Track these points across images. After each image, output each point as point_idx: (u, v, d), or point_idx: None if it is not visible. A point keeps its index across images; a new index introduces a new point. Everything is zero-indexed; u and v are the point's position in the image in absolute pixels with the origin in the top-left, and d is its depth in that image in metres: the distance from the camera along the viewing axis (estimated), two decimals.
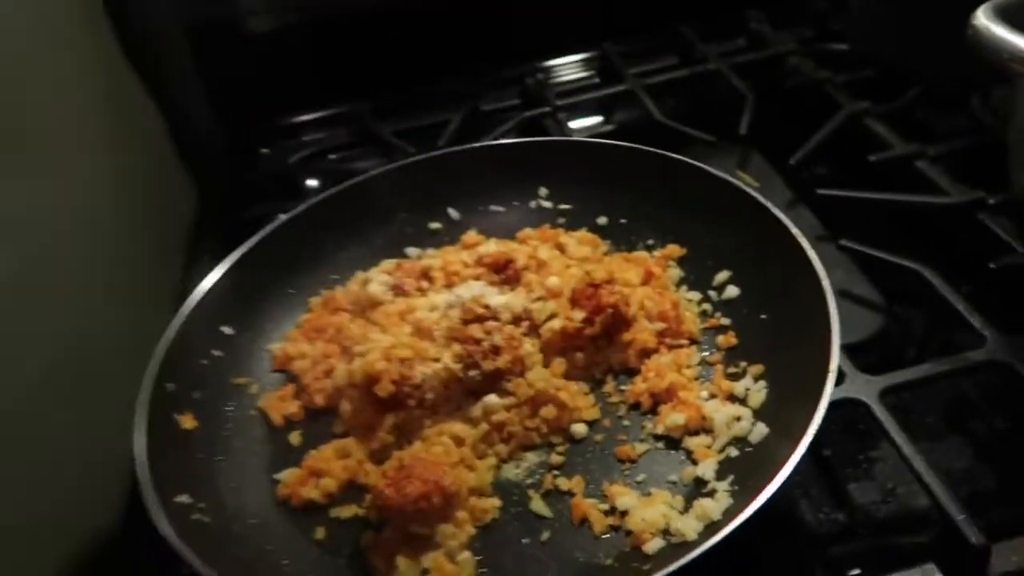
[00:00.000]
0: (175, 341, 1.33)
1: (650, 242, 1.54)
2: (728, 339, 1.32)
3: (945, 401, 1.34)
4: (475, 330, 1.30)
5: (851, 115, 1.80)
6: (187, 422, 1.28)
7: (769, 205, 1.34)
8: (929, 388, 1.28)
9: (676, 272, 1.46)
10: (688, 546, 1.02)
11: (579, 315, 1.30)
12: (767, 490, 0.95)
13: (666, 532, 1.07)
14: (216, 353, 1.41)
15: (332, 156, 2.16)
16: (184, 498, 1.15)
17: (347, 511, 1.19)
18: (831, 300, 1.14)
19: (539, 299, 1.36)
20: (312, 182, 2.10)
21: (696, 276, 1.44)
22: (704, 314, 1.38)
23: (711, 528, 1.04)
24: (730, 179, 1.43)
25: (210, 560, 1.01)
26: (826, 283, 1.17)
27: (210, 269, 1.47)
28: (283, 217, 1.59)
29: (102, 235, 1.54)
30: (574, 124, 2.00)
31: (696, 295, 1.41)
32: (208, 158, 2.09)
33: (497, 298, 1.38)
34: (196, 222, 1.99)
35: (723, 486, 1.10)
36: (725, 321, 1.35)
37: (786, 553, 1.17)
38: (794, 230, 1.27)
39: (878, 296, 1.49)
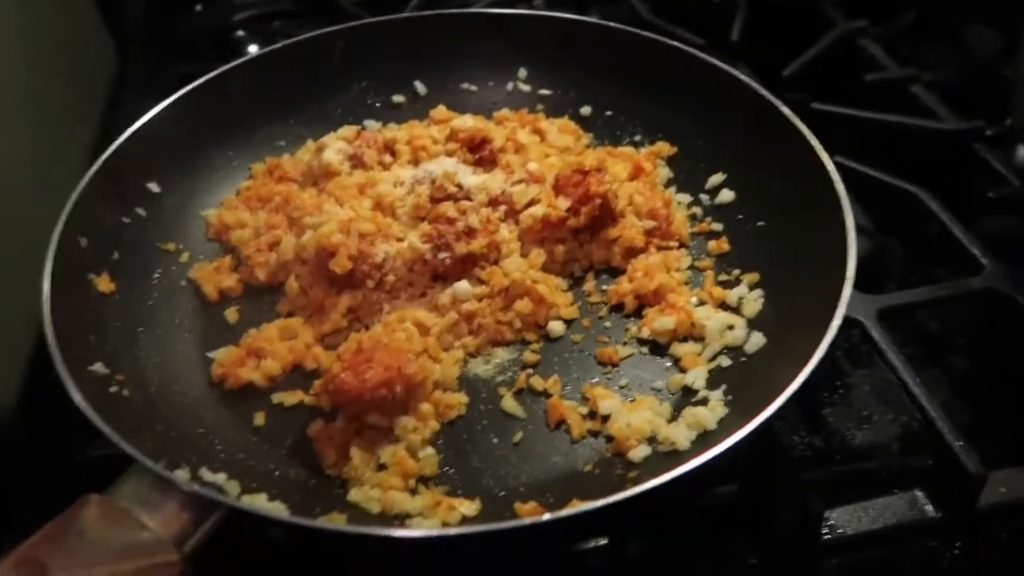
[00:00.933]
0: (89, 189, 1.14)
1: (637, 138, 1.41)
2: (720, 245, 1.22)
3: (927, 330, 1.29)
4: (447, 208, 1.16)
5: (846, 33, 1.70)
6: (103, 284, 1.10)
7: (778, 103, 1.23)
8: (909, 317, 1.22)
9: (665, 172, 1.34)
10: (679, 456, 0.94)
11: (564, 203, 1.17)
12: (774, 403, 0.86)
13: (652, 439, 0.98)
14: (140, 211, 1.22)
15: (277, 22, 1.92)
16: (99, 367, 0.99)
17: (291, 397, 1.05)
18: (848, 212, 1.05)
19: (519, 182, 1.22)
20: (253, 48, 1.86)
21: (687, 177, 1.33)
22: (694, 218, 1.28)
23: (704, 438, 0.95)
24: (733, 71, 1.32)
25: (129, 434, 0.86)
26: (842, 192, 1.08)
27: (132, 120, 1.27)
28: (224, 68, 1.38)
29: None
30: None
31: (686, 197, 1.30)
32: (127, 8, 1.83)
33: (472, 177, 1.23)
34: (117, 73, 1.75)
35: (716, 395, 1.01)
36: (717, 226, 1.25)
37: (760, 475, 1.10)
38: (807, 133, 1.17)
39: (865, 219, 1.42)
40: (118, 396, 0.97)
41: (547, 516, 0.77)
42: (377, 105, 1.48)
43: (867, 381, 1.21)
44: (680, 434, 0.95)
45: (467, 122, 1.29)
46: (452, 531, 0.81)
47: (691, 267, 1.21)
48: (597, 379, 1.07)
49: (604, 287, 1.19)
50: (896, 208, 1.38)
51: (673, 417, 1.00)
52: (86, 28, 1.75)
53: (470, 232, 1.13)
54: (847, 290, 0.97)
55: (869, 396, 1.19)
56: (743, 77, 1.30)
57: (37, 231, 1.08)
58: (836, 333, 0.93)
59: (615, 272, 1.21)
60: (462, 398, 1.04)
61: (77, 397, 0.87)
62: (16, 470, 1.05)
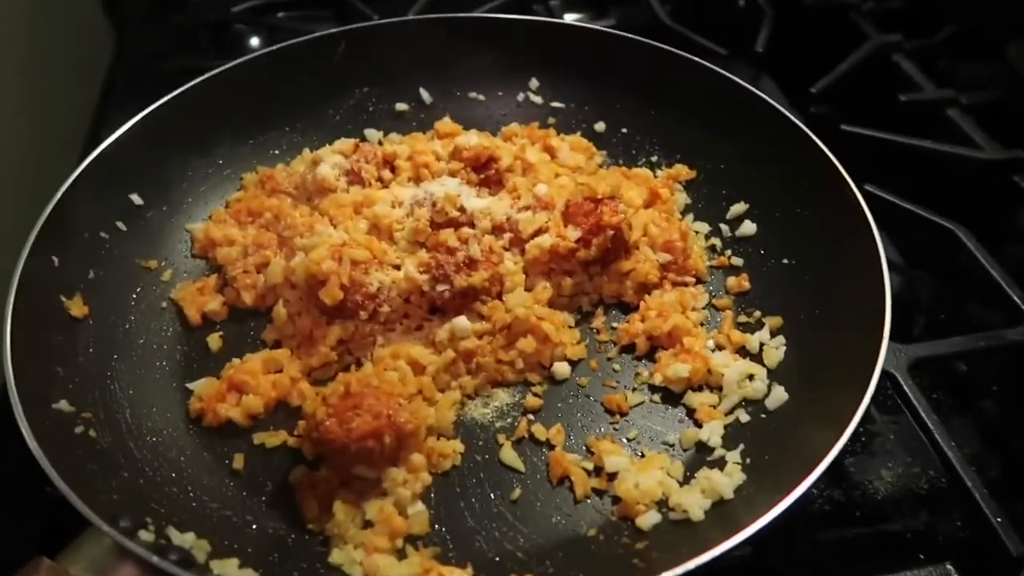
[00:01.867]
0: (65, 201, 1.06)
1: (654, 158, 1.32)
2: (740, 283, 1.14)
3: (956, 374, 1.21)
4: (447, 236, 1.08)
5: (879, 48, 1.60)
6: (75, 307, 1.02)
7: (808, 131, 1.14)
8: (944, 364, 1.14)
9: (682, 197, 1.25)
10: (692, 527, 0.86)
11: (573, 234, 1.09)
12: (803, 483, 0.78)
13: (662, 503, 0.90)
14: (120, 226, 1.14)
15: (281, 14, 1.83)
16: (63, 404, 0.91)
17: (274, 439, 0.97)
18: (883, 259, 0.97)
19: (526, 208, 1.14)
20: (255, 41, 1.78)
21: (706, 204, 1.25)
22: (712, 250, 1.19)
23: (720, 508, 0.87)
24: (760, 93, 1.23)
25: (88, 487, 0.78)
26: (878, 237, 0.99)
27: (123, 119, 1.19)
28: (216, 69, 1.29)
29: None
30: (568, 17, 1.73)
31: (704, 227, 1.22)
32: None
33: (475, 201, 1.15)
34: (111, 70, 1.66)
35: (733, 456, 0.93)
36: (737, 261, 1.17)
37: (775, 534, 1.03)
38: (841, 169, 1.08)
39: (893, 251, 1.33)
40: (83, 437, 0.89)
41: None
42: (378, 113, 1.39)
43: (891, 428, 1.13)
44: (694, 502, 0.87)
45: (472, 140, 1.20)
46: None
47: (708, 305, 1.12)
48: (604, 429, 0.99)
49: (614, 324, 1.11)
50: (928, 241, 1.29)
51: (686, 479, 0.92)
52: (85, 13, 1.66)
53: (471, 263, 1.05)
54: (883, 350, 0.88)
55: (894, 444, 1.11)
56: (770, 100, 1.21)
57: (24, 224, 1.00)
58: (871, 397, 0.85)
59: (626, 307, 1.13)
60: (457, 446, 0.96)
61: (34, 446, 0.79)
62: None
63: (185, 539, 0.81)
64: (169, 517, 0.84)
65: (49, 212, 1.04)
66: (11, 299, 0.93)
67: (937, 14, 1.70)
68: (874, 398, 1.13)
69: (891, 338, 1.03)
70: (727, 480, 0.88)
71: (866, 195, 1.28)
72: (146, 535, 0.78)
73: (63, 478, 0.77)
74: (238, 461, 0.95)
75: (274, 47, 1.33)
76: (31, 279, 0.97)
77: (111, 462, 0.89)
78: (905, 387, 1.00)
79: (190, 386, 1.02)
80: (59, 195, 1.06)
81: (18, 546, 0.87)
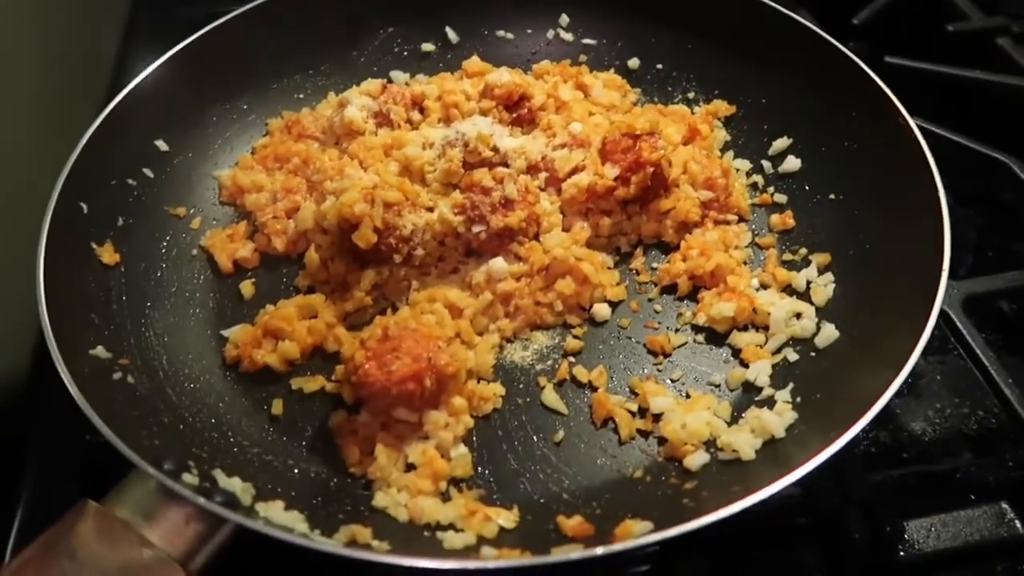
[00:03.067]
0: (91, 148, 1.03)
1: (691, 95, 1.27)
2: (784, 220, 1.10)
3: (1003, 313, 1.17)
4: (482, 176, 1.04)
5: None
6: (107, 255, 1.01)
7: (855, 58, 1.09)
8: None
9: (722, 134, 1.21)
10: (742, 467, 0.83)
11: (611, 172, 1.05)
12: (858, 423, 0.75)
13: (710, 443, 0.87)
14: (147, 172, 1.11)
15: None
16: (100, 351, 0.90)
17: (311, 383, 0.96)
18: (941, 191, 0.92)
19: (561, 146, 1.10)
20: None
21: (747, 141, 1.20)
22: (754, 187, 1.15)
23: (771, 448, 0.85)
24: (804, 22, 1.17)
25: (131, 432, 0.78)
26: (934, 168, 0.95)
27: (142, 67, 1.16)
28: (237, 11, 1.25)
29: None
30: None
31: (745, 164, 1.17)
32: None
33: (509, 140, 1.11)
34: (132, 10, 1.62)
35: (783, 396, 0.90)
36: (780, 198, 1.13)
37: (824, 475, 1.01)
38: (893, 97, 1.03)
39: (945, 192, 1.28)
40: (122, 384, 0.88)
41: (600, 550, 0.67)
42: (404, 54, 1.35)
43: (938, 369, 1.10)
44: (744, 441, 0.85)
45: (503, 77, 1.16)
46: (490, 564, 0.71)
47: (751, 244, 1.09)
48: (647, 370, 0.97)
49: (654, 265, 1.08)
50: (976, 175, 1.25)
51: (734, 419, 0.90)
52: None
53: (507, 203, 1.02)
54: (942, 288, 0.85)
55: (941, 386, 1.08)
56: (813, 26, 1.16)
57: (43, 191, 0.98)
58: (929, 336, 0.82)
59: (666, 247, 1.09)
60: (498, 389, 0.94)
61: (75, 391, 0.78)
62: (24, 442, 0.97)
63: (232, 483, 0.80)
64: (212, 461, 0.83)
65: (75, 158, 1.02)
66: (42, 246, 0.92)
67: None
68: None
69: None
70: (778, 419, 0.86)
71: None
72: (190, 478, 0.77)
73: (106, 423, 0.76)
74: (277, 407, 0.94)
75: None
76: (61, 226, 0.95)
77: (151, 407, 0.88)
78: (959, 324, 0.97)
79: (225, 333, 1.00)
80: (84, 141, 1.04)
81: (63, 490, 0.87)
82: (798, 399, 0.90)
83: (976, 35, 1.42)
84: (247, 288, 1.06)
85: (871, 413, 0.76)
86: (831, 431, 0.77)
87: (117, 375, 0.89)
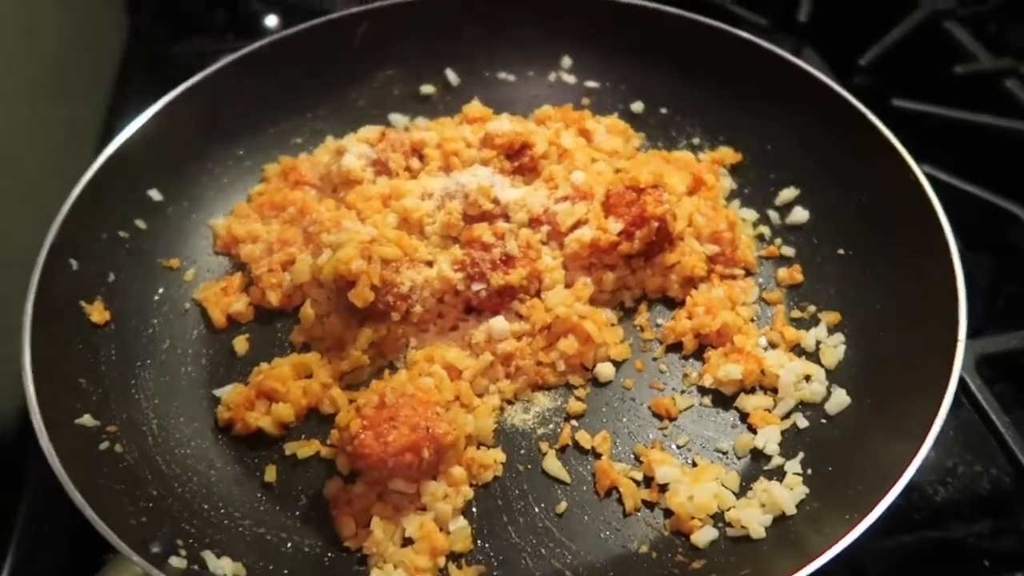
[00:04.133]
0: (81, 201, 1.01)
1: (695, 140, 1.25)
2: (792, 274, 1.07)
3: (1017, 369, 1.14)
4: (482, 231, 1.02)
5: (930, 15, 1.51)
6: (96, 313, 0.98)
7: (866, 110, 1.06)
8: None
9: (727, 182, 1.18)
10: (753, 545, 0.81)
11: (615, 226, 1.03)
12: (878, 505, 0.72)
13: (718, 517, 0.85)
14: (140, 224, 1.09)
15: None
16: (87, 419, 0.87)
17: (306, 448, 0.93)
18: (953, 249, 0.90)
19: (563, 199, 1.08)
20: (271, 19, 1.71)
21: (753, 189, 1.18)
22: (761, 239, 1.13)
23: (781, 525, 0.82)
24: (810, 69, 1.15)
25: (117, 510, 0.75)
26: (946, 226, 0.92)
27: (137, 114, 1.13)
28: (233, 56, 1.23)
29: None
30: None
31: (752, 214, 1.15)
32: None
33: (510, 191, 1.09)
34: (125, 52, 1.60)
35: (792, 467, 0.88)
36: (788, 251, 1.10)
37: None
38: (902, 148, 1.01)
39: (955, 237, 1.26)
40: (109, 454, 0.86)
41: None
42: (404, 96, 1.32)
43: (951, 424, 1.07)
44: (753, 517, 0.82)
45: (504, 126, 1.14)
46: None
47: (758, 300, 1.06)
48: (652, 435, 0.94)
49: (659, 321, 1.05)
50: (986, 219, 1.23)
51: (742, 490, 0.87)
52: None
53: (508, 260, 1.00)
54: (960, 354, 0.82)
55: (953, 442, 1.06)
56: (819, 74, 1.13)
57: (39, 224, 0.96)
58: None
59: (671, 302, 1.07)
60: (499, 456, 0.92)
61: (59, 470, 0.76)
62: (12, 491, 0.95)
63: (221, 564, 0.77)
64: (201, 539, 0.80)
65: (66, 213, 1.00)
66: (29, 308, 0.89)
67: None
68: None
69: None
70: (788, 494, 0.83)
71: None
72: (178, 561, 0.74)
73: (90, 503, 0.73)
74: (270, 473, 0.91)
75: (292, 30, 1.26)
76: (49, 285, 0.93)
77: (139, 479, 0.85)
78: (973, 387, 0.95)
79: (217, 393, 0.98)
80: (75, 194, 1.02)
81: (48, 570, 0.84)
82: (809, 471, 0.87)
83: (983, 77, 1.40)
84: (241, 344, 1.04)
85: (889, 497, 0.73)
86: (845, 511, 0.75)
87: (104, 444, 0.86)
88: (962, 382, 0.95)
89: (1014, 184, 1.24)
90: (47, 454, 0.77)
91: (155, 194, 1.11)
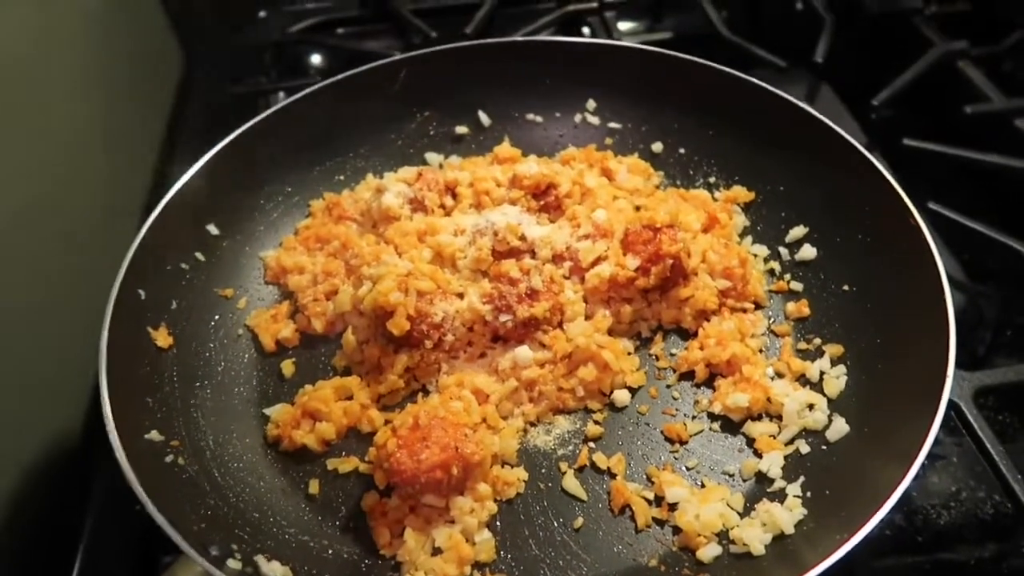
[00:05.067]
0: (150, 237, 1.12)
1: (712, 179, 1.33)
2: (800, 308, 1.14)
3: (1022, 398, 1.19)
4: (510, 267, 1.11)
5: (944, 56, 1.57)
6: (161, 338, 1.08)
7: (872, 157, 1.13)
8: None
9: (741, 220, 1.26)
10: (753, 561, 0.88)
11: (632, 263, 1.11)
12: (866, 525, 0.79)
13: (722, 535, 0.92)
14: (199, 256, 1.20)
15: (340, 30, 1.88)
16: (155, 435, 0.97)
17: (346, 464, 1.02)
18: (947, 290, 0.96)
19: (585, 237, 1.16)
20: (315, 59, 1.83)
21: (765, 227, 1.25)
22: (771, 273, 1.20)
23: (780, 543, 0.89)
24: (820, 117, 1.22)
25: (181, 516, 0.84)
26: (940, 265, 0.99)
27: (195, 153, 1.24)
28: (285, 101, 1.34)
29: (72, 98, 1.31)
30: (623, 26, 1.74)
31: (763, 250, 1.22)
32: (196, 15, 1.81)
33: (536, 229, 1.17)
34: (180, 95, 1.73)
35: (793, 489, 0.94)
36: (797, 286, 1.17)
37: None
38: (903, 194, 1.07)
39: (958, 269, 1.32)
40: (173, 466, 0.95)
41: None
42: (439, 137, 1.42)
43: (955, 451, 1.13)
44: (754, 536, 0.89)
45: (531, 169, 1.23)
46: None
47: (767, 332, 1.13)
48: (664, 458, 1.01)
49: (673, 351, 1.12)
50: (993, 257, 1.28)
51: (746, 511, 0.94)
52: (155, 35, 1.73)
53: (533, 294, 1.08)
54: (948, 384, 0.88)
55: (958, 467, 1.11)
56: (828, 121, 1.20)
57: (104, 255, 1.06)
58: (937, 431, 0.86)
59: (685, 333, 1.14)
60: (521, 474, 1.00)
61: (133, 481, 0.85)
62: (79, 499, 1.05)
63: (272, 567, 0.86)
64: (253, 544, 0.89)
65: (136, 247, 1.10)
66: (105, 334, 0.99)
67: (1007, 17, 1.65)
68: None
69: (956, 364, 1.03)
70: (787, 515, 0.90)
71: (930, 213, 1.27)
72: (234, 563, 0.83)
73: (160, 510, 0.82)
74: (313, 486, 1.00)
75: (338, 77, 1.36)
76: (121, 314, 1.03)
77: (198, 489, 0.95)
78: (970, 416, 1.00)
79: (267, 412, 1.07)
80: (144, 230, 1.12)
81: (115, 562, 0.94)
82: (808, 494, 0.93)
83: (995, 117, 1.45)
84: (288, 367, 1.13)
85: (876, 518, 0.79)
86: (838, 531, 0.81)
87: (169, 458, 0.96)
88: (960, 412, 1.01)
89: (1022, 222, 1.28)
90: (123, 466, 0.87)
91: (213, 228, 1.22)
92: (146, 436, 0.96)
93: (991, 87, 1.50)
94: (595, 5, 1.73)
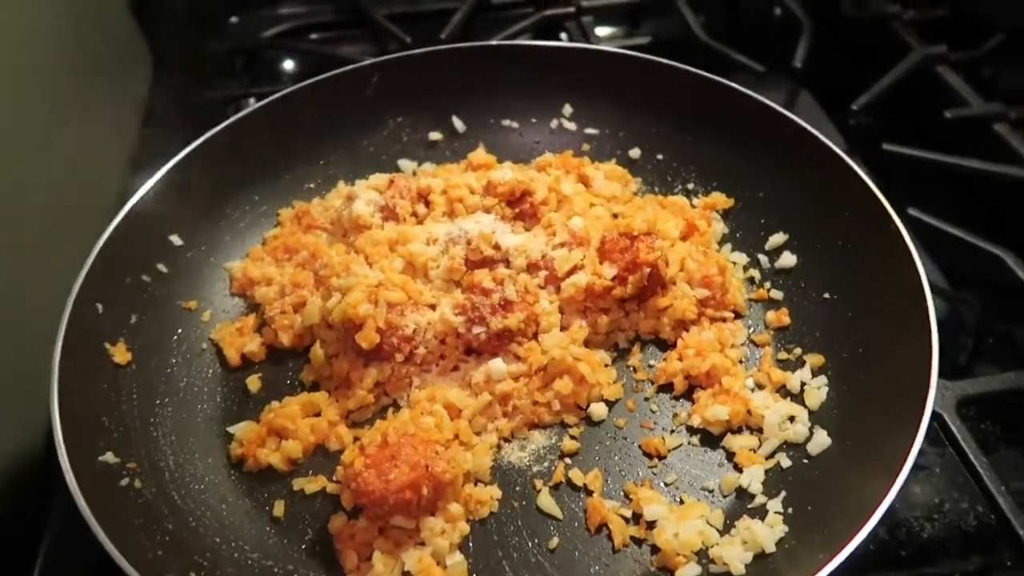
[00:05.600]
0: (107, 249, 1.08)
1: (690, 186, 1.30)
2: (780, 317, 1.11)
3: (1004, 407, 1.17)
4: (483, 277, 1.07)
5: (922, 60, 1.55)
6: (119, 354, 1.04)
7: (853, 164, 1.11)
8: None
9: (720, 227, 1.23)
10: None
11: (609, 271, 1.08)
12: (848, 544, 0.76)
13: (702, 554, 0.88)
14: (160, 268, 1.15)
15: (313, 36, 1.84)
16: (109, 456, 0.93)
17: (313, 484, 0.98)
18: (929, 299, 0.94)
19: (560, 245, 1.13)
20: (288, 64, 1.79)
21: (744, 234, 1.22)
22: (751, 282, 1.17)
23: (761, 562, 0.86)
24: (800, 122, 1.20)
25: (134, 544, 0.80)
26: (922, 272, 0.97)
27: (163, 161, 1.20)
28: (252, 107, 1.31)
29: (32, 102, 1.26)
30: (600, 31, 1.72)
31: (742, 257, 1.20)
32: (165, 20, 1.76)
33: (510, 238, 1.14)
34: (149, 101, 1.68)
35: (774, 506, 0.91)
36: (777, 294, 1.15)
37: None
38: (884, 200, 1.05)
39: (939, 275, 1.30)
40: (129, 489, 0.91)
41: None
42: (412, 143, 1.39)
43: (937, 461, 1.10)
44: (734, 555, 0.86)
45: (506, 175, 1.19)
46: None
47: (747, 341, 1.11)
48: (642, 473, 0.98)
49: (651, 362, 1.09)
50: (974, 263, 1.26)
51: (726, 528, 0.91)
52: (122, 39, 1.69)
53: (507, 305, 1.05)
54: (931, 396, 0.86)
55: (940, 478, 1.09)
56: (808, 127, 1.18)
57: (67, 266, 1.02)
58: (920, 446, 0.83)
59: (664, 343, 1.11)
60: (495, 492, 0.96)
61: (83, 505, 0.81)
62: (37, 520, 1.00)
63: None
64: (212, 571, 0.85)
65: (92, 259, 1.06)
66: (58, 350, 0.95)
67: (986, 21, 1.64)
68: None
69: (938, 374, 1.00)
70: (768, 532, 0.87)
71: (910, 219, 1.25)
72: None
73: (111, 539, 0.79)
74: (278, 508, 0.96)
75: (308, 81, 1.33)
76: (76, 329, 0.99)
77: (156, 513, 0.90)
78: (952, 427, 0.98)
79: (231, 430, 1.03)
80: (102, 242, 1.08)
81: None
82: (789, 510, 0.91)
83: (974, 121, 1.44)
84: (254, 383, 1.09)
85: (859, 537, 0.77)
86: (820, 551, 0.78)
87: (124, 480, 0.92)
88: (942, 422, 0.98)
89: (1002, 227, 1.27)
90: (72, 491, 0.83)
91: (176, 239, 1.18)
92: (100, 458, 0.92)
93: (970, 92, 1.49)
94: (572, 10, 1.70)
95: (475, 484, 0.97)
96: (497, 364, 1.03)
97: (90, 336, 1.02)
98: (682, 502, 0.94)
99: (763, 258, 1.19)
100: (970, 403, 1.02)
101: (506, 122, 1.40)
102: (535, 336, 1.07)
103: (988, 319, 1.28)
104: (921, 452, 1.06)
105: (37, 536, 0.99)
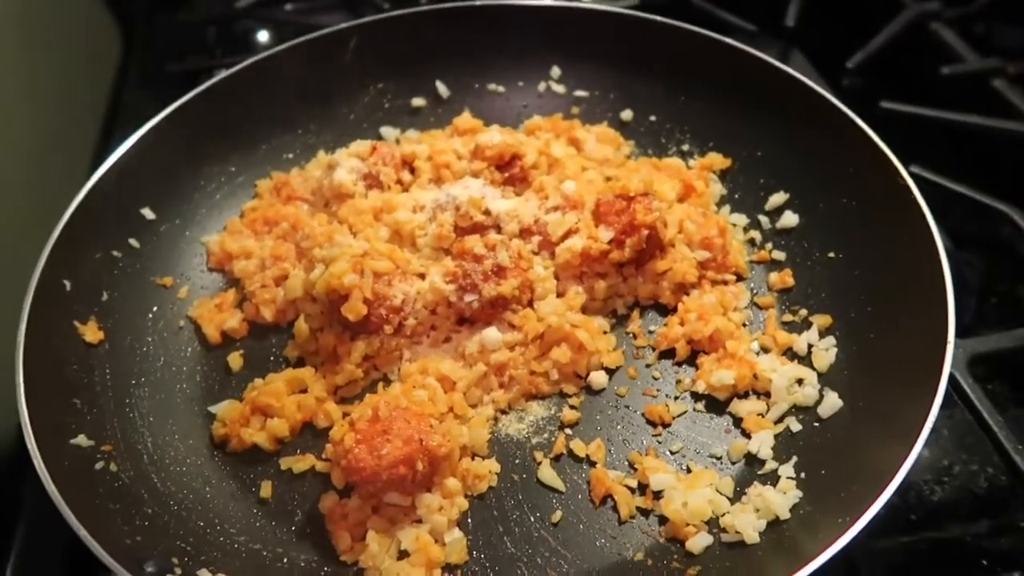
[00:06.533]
0: (74, 222, 1.01)
1: (685, 147, 1.25)
2: (783, 279, 1.07)
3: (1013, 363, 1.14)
4: (473, 243, 1.02)
5: (916, 17, 1.51)
6: (90, 333, 0.98)
7: (854, 115, 1.07)
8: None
9: (717, 188, 1.19)
10: (747, 550, 0.81)
11: (606, 235, 1.03)
12: (870, 508, 0.72)
13: (713, 523, 0.85)
14: (133, 243, 1.09)
15: (288, 6, 1.77)
16: (82, 439, 0.87)
17: (301, 463, 0.93)
18: (942, 253, 0.90)
19: (554, 208, 1.08)
20: (262, 35, 1.72)
21: (743, 194, 1.18)
22: (752, 243, 1.13)
23: (776, 529, 0.82)
24: (798, 76, 1.15)
25: (112, 530, 0.75)
26: (934, 229, 0.93)
27: (134, 125, 1.14)
28: (225, 73, 1.24)
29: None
30: None
31: (742, 219, 1.15)
32: None
33: (501, 202, 1.09)
34: (120, 71, 1.61)
35: (786, 471, 0.88)
36: (779, 255, 1.10)
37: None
38: (890, 153, 1.01)
39: (942, 235, 1.26)
40: (104, 473, 0.86)
41: None
42: (394, 109, 1.33)
43: (945, 424, 1.07)
44: (747, 523, 0.82)
45: (494, 138, 1.14)
46: None
47: (750, 304, 1.06)
48: (646, 442, 0.94)
49: (651, 328, 1.05)
50: (977, 218, 1.23)
51: (737, 495, 0.87)
52: (90, 13, 1.61)
53: (500, 271, 1.00)
54: (949, 355, 0.82)
55: (948, 442, 1.05)
56: (807, 80, 1.14)
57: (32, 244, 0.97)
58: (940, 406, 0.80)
59: (664, 308, 1.07)
60: (493, 466, 0.92)
61: (53, 492, 0.76)
62: (10, 507, 0.95)
63: None
64: (197, 556, 0.80)
65: (59, 233, 1.00)
66: (23, 329, 0.90)
67: None
68: None
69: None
70: (782, 498, 0.83)
71: (912, 177, 1.22)
72: None
73: (84, 524, 0.73)
74: (265, 489, 0.91)
75: (283, 46, 1.27)
76: (43, 306, 0.93)
77: (134, 498, 0.85)
78: (966, 386, 0.95)
79: (213, 409, 0.98)
80: (67, 214, 1.02)
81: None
82: (802, 474, 0.87)
83: (971, 77, 1.41)
84: (235, 360, 1.04)
85: (881, 500, 0.73)
86: (838, 515, 0.75)
87: (99, 464, 0.86)
88: (954, 381, 0.95)
89: (1003, 183, 1.24)
90: (41, 476, 0.77)
91: (148, 212, 1.12)
92: (72, 441, 0.86)
93: (966, 48, 1.45)
94: None
95: (472, 458, 0.92)
96: (491, 333, 0.98)
97: (58, 314, 0.96)
98: (689, 470, 0.90)
99: (763, 219, 1.15)
100: (981, 361, 0.98)
101: (492, 86, 1.34)
102: (530, 303, 1.02)
103: (991, 277, 1.25)
104: None
105: (12, 522, 0.94)
